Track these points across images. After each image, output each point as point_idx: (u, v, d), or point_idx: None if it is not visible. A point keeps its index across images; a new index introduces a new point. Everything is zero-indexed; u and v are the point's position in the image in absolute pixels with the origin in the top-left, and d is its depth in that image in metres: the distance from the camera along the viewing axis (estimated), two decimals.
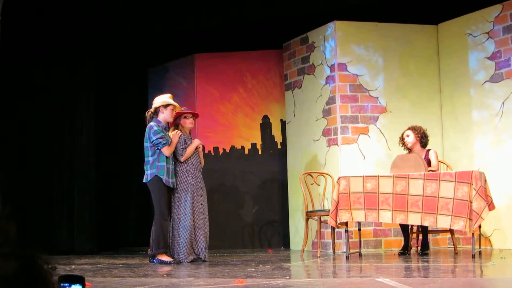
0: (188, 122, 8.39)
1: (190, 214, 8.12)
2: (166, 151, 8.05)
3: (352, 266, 7.31)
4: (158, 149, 8.04)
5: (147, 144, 8.13)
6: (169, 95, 8.39)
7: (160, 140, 8.02)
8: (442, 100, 9.86)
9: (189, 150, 8.26)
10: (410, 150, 8.59)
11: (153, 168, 8.05)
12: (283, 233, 10.61)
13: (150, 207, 8.31)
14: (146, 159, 8.14)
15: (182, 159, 8.21)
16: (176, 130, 8.30)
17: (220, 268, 7.18)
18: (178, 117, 8.36)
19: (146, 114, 8.31)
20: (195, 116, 8.57)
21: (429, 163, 8.39)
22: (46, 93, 10.15)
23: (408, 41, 9.84)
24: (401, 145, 8.68)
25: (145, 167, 8.15)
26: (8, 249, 1.33)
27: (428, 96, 9.84)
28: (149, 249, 8.18)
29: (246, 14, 10.07)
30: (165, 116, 8.21)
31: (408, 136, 8.57)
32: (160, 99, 8.26)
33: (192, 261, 8.06)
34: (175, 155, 8.24)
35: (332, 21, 9.61)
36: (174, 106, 8.26)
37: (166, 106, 8.20)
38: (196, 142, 8.39)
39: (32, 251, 1.37)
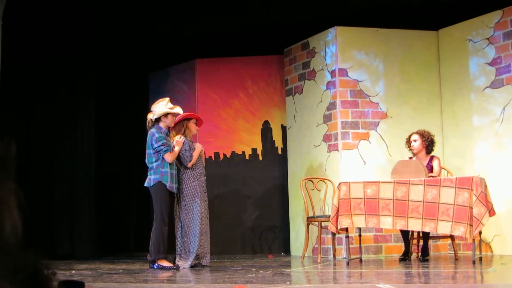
0: (196, 128, 8.45)
1: (199, 220, 8.15)
2: (168, 157, 8.06)
3: (352, 272, 7.30)
4: (160, 155, 8.06)
5: (149, 151, 8.15)
6: (166, 100, 8.35)
7: (162, 147, 8.03)
8: (443, 106, 9.86)
9: (196, 155, 8.29)
10: (414, 154, 8.59)
11: (156, 174, 8.07)
12: (284, 238, 10.61)
13: (151, 212, 8.31)
14: (149, 165, 8.16)
15: (189, 165, 8.23)
16: (179, 135, 8.29)
17: (220, 273, 7.17)
18: (186, 118, 8.37)
19: (147, 123, 8.32)
20: (200, 123, 8.61)
21: (431, 169, 8.39)
22: (46, 98, 10.15)
23: (409, 46, 9.84)
24: (407, 146, 8.68)
25: (148, 173, 8.16)
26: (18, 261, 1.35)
27: (429, 102, 9.84)
28: (148, 255, 8.18)
29: (247, 19, 10.08)
30: (167, 123, 8.24)
31: (415, 141, 8.55)
32: (159, 110, 8.23)
33: (192, 267, 8.06)
34: (179, 161, 8.25)
35: (333, 27, 9.62)
36: (173, 113, 8.28)
37: (166, 115, 8.23)
38: (199, 147, 8.41)
39: (33, 256, 1.37)
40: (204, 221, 8.25)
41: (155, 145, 8.07)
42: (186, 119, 8.39)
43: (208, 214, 8.35)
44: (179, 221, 8.24)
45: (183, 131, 8.36)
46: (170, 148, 8.08)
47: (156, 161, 8.09)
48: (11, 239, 1.33)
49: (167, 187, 8.06)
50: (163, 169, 8.08)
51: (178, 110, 8.31)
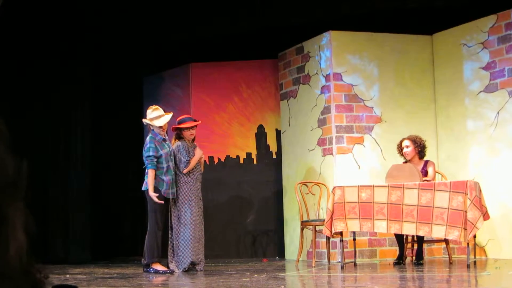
0: (188, 134, 8.41)
1: (190, 225, 8.14)
2: (150, 172, 8.06)
3: (347, 276, 7.31)
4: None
5: None
6: (152, 108, 8.35)
7: (147, 161, 8.05)
8: (437, 110, 9.87)
9: (193, 162, 8.27)
10: (408, 160, 8.58)
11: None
12: (278, 242, 10.60)
13: (145, 216, 8.30)
14: (146, 169, 8.16)
15: (185, 171, 8.21)
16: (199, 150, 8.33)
17: (215, 277, 7.17)
18: (178, 128, 8.37)
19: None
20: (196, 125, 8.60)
21: (426, 174, 8.39)
22: (40, 102, 10.13)
23: (403, 51, 9.85)
24: (398, 151, 8.67)
25: (145, 176, 8.17)
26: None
27: (423, 106, 9.85)
28: (142, 258, 8.18)
29: (242, 24, 10.08)
30: (156, 131, 8.23)
31: (407, 147, 8.54)
32: (147, 117, 8.28)
33: (187, 271, 8.05)
34: (177, 166, 8.25)
35: (327, 31, 9.63)
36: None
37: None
38: (199, 153, 8.38)
39: (33, 280, 1.36)
40: (198, 227, 8.24)
41: (144, 155, 8.10)
42: (178, 129, 8.37)
43: (202, 220, 8.35)
44: (171, 223, 8.24)
45: (180, 138, 8.36)
46: (154, 164, 8.07)
47: None
48: (15, 262, 1.30)
49: (162, 193, 8.06)
50: (159, 175, 8.08)
51: (165, 118, 8.29)
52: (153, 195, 7.96)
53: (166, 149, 8.18)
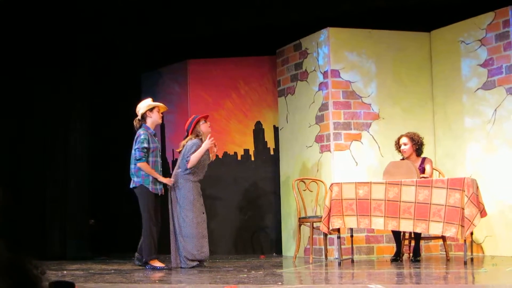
0: (207, 127, 8.44)
1: (193, 223, 8.13)
2: (144, 167, 8.02)
3: (344, 273, 7.31)
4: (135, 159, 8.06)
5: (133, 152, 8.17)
6: (149, 99, 8.42)
7: (140, 154, 8.00)
8: (435, 107, 9.88)
9: (198, 154, 8.23)
10: (405, 158, 8.58)
11: (138, 177, 8.07)
12: (276, 239, 10.61)
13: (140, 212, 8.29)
14: (131, 166, 8.13)
15: (188, 166, 8.21)
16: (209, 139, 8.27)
17: (212, 274, 7.17)
18: (196, 123, 8.37)
19: (134, 123, 8.30)
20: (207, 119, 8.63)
21: (423, 171, 8.40)
22: (39, 101, 10.12)
23: (401, 48, 9.86)
24: (396, 148, 8.68)
25: (130, 174, 8.15)
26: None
27: (421, 103, 9.86)
28: (136, 253, 8.21)
29: (240, 21, 10.08)
30: (153, 119, 8.23)
31: (405, 144, 8.54)
32: (144, 104, 8.27)
33: (186, 268, 8.05)
34: (181, 161, 8.26)
35: (325, 28, 9.63)
36: (159, 107, 8.30)
37: (151, 109, 8.23)
38: (207, 144, 8.31)
39: (22, 256, 1.35)
40: (202, 225, 8.25)
41: (135, 146, 8.06)
42: (196, 124, 8.39)
43: (205, 218, 8.36)
44: (173, 221, 8.24)
45: (200, 137, 8.36)
46: (146, 157, 8.03)
47: (135, 163, 8.09)
48: None
49: (150, 189, 8.05)
50: (143, 171, 8.05)
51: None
52: (167, 180, 8.09)
53: (156, 144, 8.19)
